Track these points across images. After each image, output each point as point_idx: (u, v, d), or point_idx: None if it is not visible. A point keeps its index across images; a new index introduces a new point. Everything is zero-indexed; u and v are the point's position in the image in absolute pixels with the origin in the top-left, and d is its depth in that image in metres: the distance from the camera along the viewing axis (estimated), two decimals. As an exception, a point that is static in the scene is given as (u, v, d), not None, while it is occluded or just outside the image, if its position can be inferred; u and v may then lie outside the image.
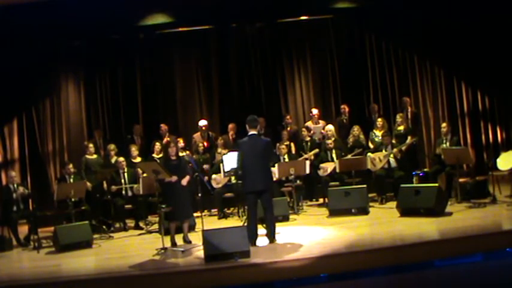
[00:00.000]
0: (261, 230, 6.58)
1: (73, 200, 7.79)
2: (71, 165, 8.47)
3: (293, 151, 9.57)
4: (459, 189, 7.87)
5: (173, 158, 6.91)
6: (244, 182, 6.50)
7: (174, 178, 6.69)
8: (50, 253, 7.17)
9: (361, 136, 9.58)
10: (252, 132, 6.45)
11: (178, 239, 6.87)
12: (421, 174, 8.83)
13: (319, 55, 11.08)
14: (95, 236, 7.65)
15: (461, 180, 7.99)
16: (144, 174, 8.12)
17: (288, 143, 9.53)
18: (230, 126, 9.97)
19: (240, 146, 6.54)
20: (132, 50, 10.74)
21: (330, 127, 9.58)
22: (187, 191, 6.89)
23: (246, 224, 6.56)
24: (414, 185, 8.18)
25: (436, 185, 7.51)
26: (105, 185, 8.58)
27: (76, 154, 10.07)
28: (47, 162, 10.40)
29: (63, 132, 10.57)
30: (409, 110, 9.96)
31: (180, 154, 7.38)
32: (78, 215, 7.82)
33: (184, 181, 6.80)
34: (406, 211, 7.31)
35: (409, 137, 9.07)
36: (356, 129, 9.53)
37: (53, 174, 10.37)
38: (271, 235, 6.43)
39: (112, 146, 9.16)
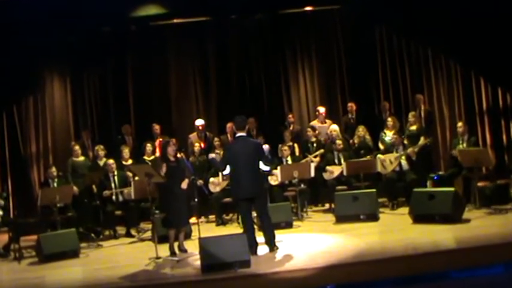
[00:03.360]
0: (261, 237, 6.57)
1: (58, 205, 7.77)
2: (53, 169, 8.46)
3: (297, 152, 9.57)
4: (478, 194, 7.85)
5: (171, 159, 6.89)
6: (233, 188, 6.53)
7: (185, 184, 6.69)
8: (32, 264, 7.15)
9: (367, 137, 9.58)
10: (240, 133, 6.47)
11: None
12: (435, 177, 8.84)
13: (325, 49, 11.06)
14: (82, 244, 7.63)
15: (480, 184, 7.98)
16: (136, 178, 8.10)
17: (291, 143, 9.52)
18: (228, 125, 9.94)
19: (228, 150, 6.59)
20: (123, 43, 10.70)
21: (335, 127, 9.58)
22: (185, 195, 6.90)
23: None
24: (428, 189, 8.20)
25: (453, 189, 7.49)
26: (95, 189, 8.56)
27: (62, 156, 10.03)
28: (30, 164, 10.37)
29: (48, 132, 10.53)
30: (423, 108, 9.94)
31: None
32: (64, 222, 7.81)
33: (184, 184, 6.78)
34: (419, 217, 7.30)
35: (422, 138, 9.04)
36: (361, 130, 9.53)
37: (37, 177, 10.33)
38: (270, 242, 6.45)
39: (100, 148, 9.14)
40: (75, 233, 7.38)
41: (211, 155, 8.84)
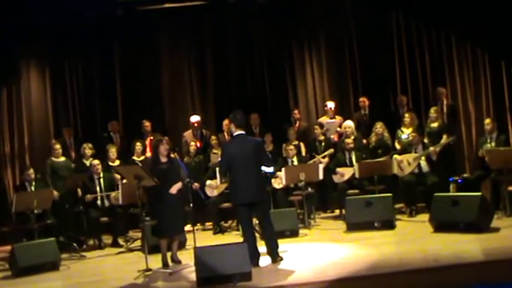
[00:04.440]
0: (264, 247, 6.56)
1: (36, 212, 7.76)
2: (31, 171, 8.44)
3: (303, 152, 9.57)
4: (508, 199, 7.81)
5: (163, 159, 6.87)
6: (232, 193, 6.54)
7: (175, 189, 6.68)
8: (5, 278, 7.13)
9: (386, 134, 9.56)
10: (239, 132, 6.46)
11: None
12: (459, 180, 8.80)
13: (335, 37, 11.06)
14: (63, 255, 7.62)
15: (510, 188, 7.93)
16: (124, 180, 8.09)
17: (296, 142, 9.52)
18: (225, 122, 9.96)
19: (225, 150, 6.60)
20: (109, 30, 10.71)
21: (349, 123, 9.56)
22: (179, 200, 6.90)
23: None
24: (451, 193, 8.17)
25: (479, 194, 7.46)
26: (79, 192, 8.54)
27: (40, 156, 10.03)
28: (4, 166, 10.36)
29: (24, 129, 10.53)
30: (445, 102, 9.92)
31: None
32: (42, 231, 7.78)
33: (173, 189, 6.78)
34: (441, 226, 7.29)
35: (444, 136, 9.05)
36: (379, 127, 9.50)
37: (11, 180, 10.32)
38: (273, 252, 6.46)
39: (88, 146, 9.13)
40: (55, 242, 7.35)
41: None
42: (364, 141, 9.70)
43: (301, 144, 9.71)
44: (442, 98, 9.95)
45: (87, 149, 9.11)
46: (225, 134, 9.90)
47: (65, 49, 10.62)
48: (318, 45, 11.08)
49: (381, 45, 10.88)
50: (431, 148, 8.63)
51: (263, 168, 6.51)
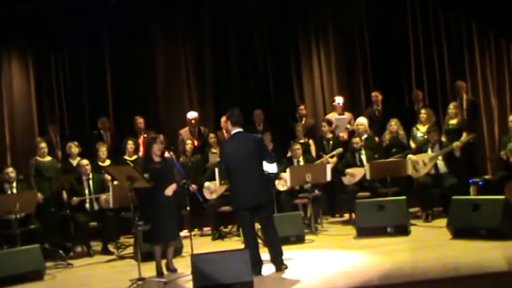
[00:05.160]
0: (267, 254, 6.56)
1: (18, 216, 7.73)
2: (10, 169, 8.40)
3: (313, 151, 9.60)
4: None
5: (157, 159, 6.87)
6: (233, 196, 6.55)
7: (171, 190, 6.68)
8: (-15, 288, 7.15)
9: (401, 132, 9.57)
10: (236, 130, 6.48)
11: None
12: (480, 182, 8.83)
13: (344, 27, 11.06)
14: (48, 264, 7.61)
15: (536, 191, 7.94)
16: (115, 182, 8.08)
17: (303, 140, 9.53)
18: (224, 118, 9.92)
19: (223, 150, 6.62)
20: (99, 19, 10.69)
21: (362, 120, 9.57)
22: (173, 203, 6.89)
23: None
24: (471, 196, 8.17)
25: (502, 197, 7.43)
26: (64, 195, 8.55)
27: (23, 156, 10.03)
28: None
29: (5, 126, 10.52)
30: (465, 97, 9.93)
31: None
32: (25, 237, 7.77)
33: (169, 190, 6.79)
34: (460, 231, 7.27)
35: (464, 134, 9.05)
36: (393, 123, 9.50)
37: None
38: (277, 260, 6.45)
39: (74, 144, 9.14)
40: (39, 249, 7.33)
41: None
42: (377, 139, 9.68)
43: (311, 142, 9.73)
44: (462, 92, 9.94)
45: (73, 147, 9.12)
46: (224, 132, 9.91)
47: (50, 38, 10.60)
48: (326, 35, 11.08)
49: (395, 35, 10.87)
50: (456, 143, 8.57)
51: (265, 167, 6.50)
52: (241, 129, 6.49)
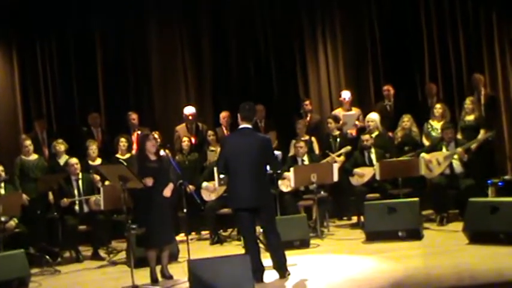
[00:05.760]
0: (269, 260, 6.55)
1: (2, 219, 7.75)
2: (1, 168, 8.38)
3: (316, 149, 9.57)
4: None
5: (152, 157, 6.87)
6: (231, 196, 6.55)
7: (169, 191, 6.70)
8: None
9: (414, 129, 9.57)
10: (245, 125, 6.47)
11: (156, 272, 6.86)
12: (499, 183, 8.80)
13: (352, 15, 11.05)
14: (34, 270, 7.61)
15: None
16: (107, 182, 8.09)
17: (307, 137, 9.52)
18: (223, 115, 10.01)
19: (225, 144, 6.62)
20: (88, 5, 10.68)
21: (373, 116, 9.54)
22: (170, 205, 6.89)
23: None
24: (490, 198, 8.15)
25: (523, 199, 7.46)
26: (50, 196, 8.56)
27: (7, 154, 9.97)
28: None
29: (-14, 122, 10.55)
30: (483, 92, 9.92)
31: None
32: (9, 241, 7.79)
33: (167, 191, 6.79)
34: (477, 236, 7.27)
35: (481, 131, 9.08)
36: (406, 120, 9.50)
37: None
38: (280, 266, 6.45)
39: (59, 142, 9.14)
40: (24, 255, 7.30)
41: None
42: (390, 134, 9.67)
43: (313, 140, 9.71)
44: (480, 86, 9.93)
45: (58, 145, 9.13)
46: (223, 128, 9.92)
47: (36, 28, 10.58)
48: (333, 25, 11.06)
49: (407, 24, 10.86)
50: (472, 142, 8.54)
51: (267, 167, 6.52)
52: (249, 126, 6.49)
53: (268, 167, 6.54)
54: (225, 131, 9.84)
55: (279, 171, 6.91)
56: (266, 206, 6.45)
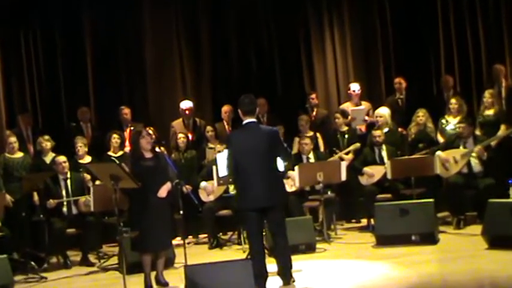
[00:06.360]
0: (273, 265, 6.54)
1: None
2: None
3: (321, 147, 9.58)
4: None
5: (147, 155, 6.86)
6: (240, 195, 6.52)
7: (165, 191, 6.67)
8: None
9: (429, 125, 9.56)
10: (249, 119, 6.48)
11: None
12: (522, 183, 8.78)
13: (362, 2, 11.05)
14: (18, 277, 7.63)
15: None
16: (97, 182, 8.09)
17: (311, 134, 9.55)
18: (225, 109, 10.00)
19: (231, 141, 6.61)
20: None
21: (383, 111, 9.55)
22: (166, 207, 6.89)
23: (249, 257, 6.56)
24: (511, 199, 8.10)
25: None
26: (36, 197, 8.56)
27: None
28: None
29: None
30: (504, 84, 9.91)
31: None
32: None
33: (163, 191, 6.79)
34: (497, 240, 7.26)
35: (502, 127, 9.06)
36: (421, 115, 9.50)
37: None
38: (285, 272, 6.44)
39: (45, 138, 9.12)
40: (7, 260, 7.32)
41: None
42: (401, 130, 9.65)
43: (318, 136, 9.71)
44: (500, 78, 9.92)
45: (44, 142, 9.11)
46: (225, 123, 9.90)
47: (21, 18, 10.56)
48: (341, 11, 11.08)
49: (421, 11, 10.86)
50: (478, 147, 8.53)
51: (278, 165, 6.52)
52: (254, 119, 6.49)
53: (281, 162, 6.53)
54: (227, 127, 9.83)
55: (284, 170, 6.89)
56: (278, 206, 6.43)
